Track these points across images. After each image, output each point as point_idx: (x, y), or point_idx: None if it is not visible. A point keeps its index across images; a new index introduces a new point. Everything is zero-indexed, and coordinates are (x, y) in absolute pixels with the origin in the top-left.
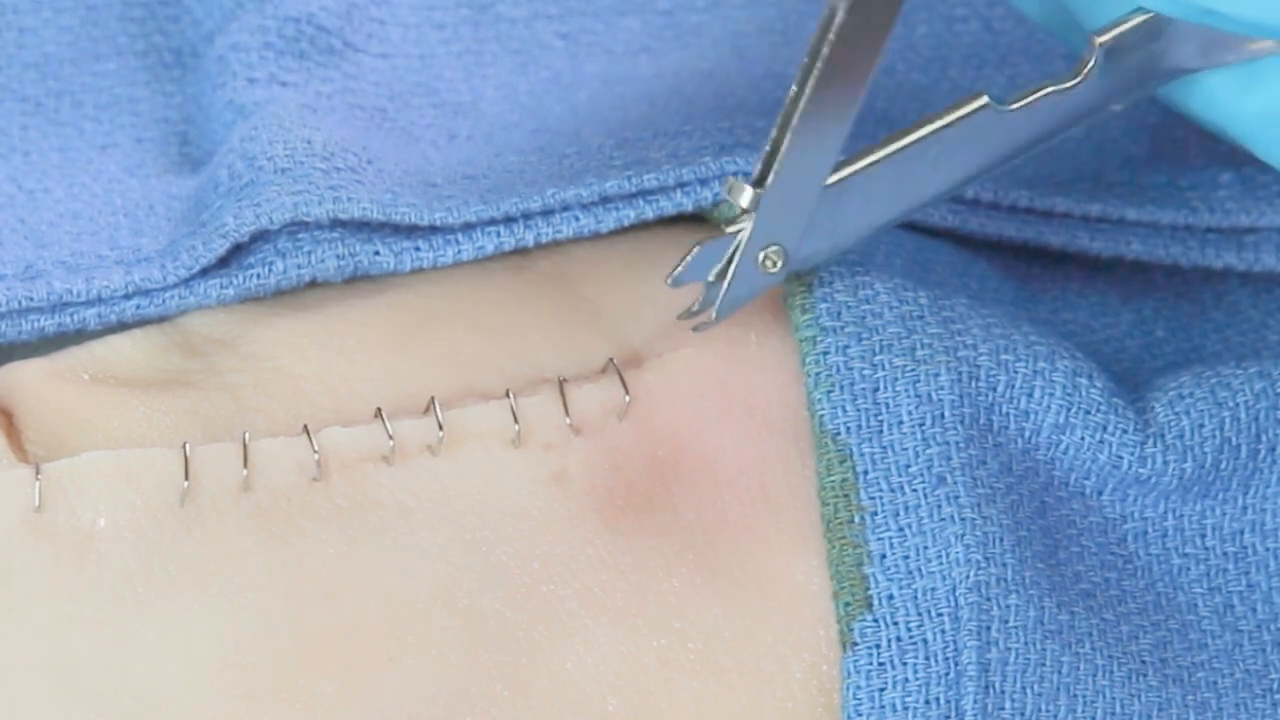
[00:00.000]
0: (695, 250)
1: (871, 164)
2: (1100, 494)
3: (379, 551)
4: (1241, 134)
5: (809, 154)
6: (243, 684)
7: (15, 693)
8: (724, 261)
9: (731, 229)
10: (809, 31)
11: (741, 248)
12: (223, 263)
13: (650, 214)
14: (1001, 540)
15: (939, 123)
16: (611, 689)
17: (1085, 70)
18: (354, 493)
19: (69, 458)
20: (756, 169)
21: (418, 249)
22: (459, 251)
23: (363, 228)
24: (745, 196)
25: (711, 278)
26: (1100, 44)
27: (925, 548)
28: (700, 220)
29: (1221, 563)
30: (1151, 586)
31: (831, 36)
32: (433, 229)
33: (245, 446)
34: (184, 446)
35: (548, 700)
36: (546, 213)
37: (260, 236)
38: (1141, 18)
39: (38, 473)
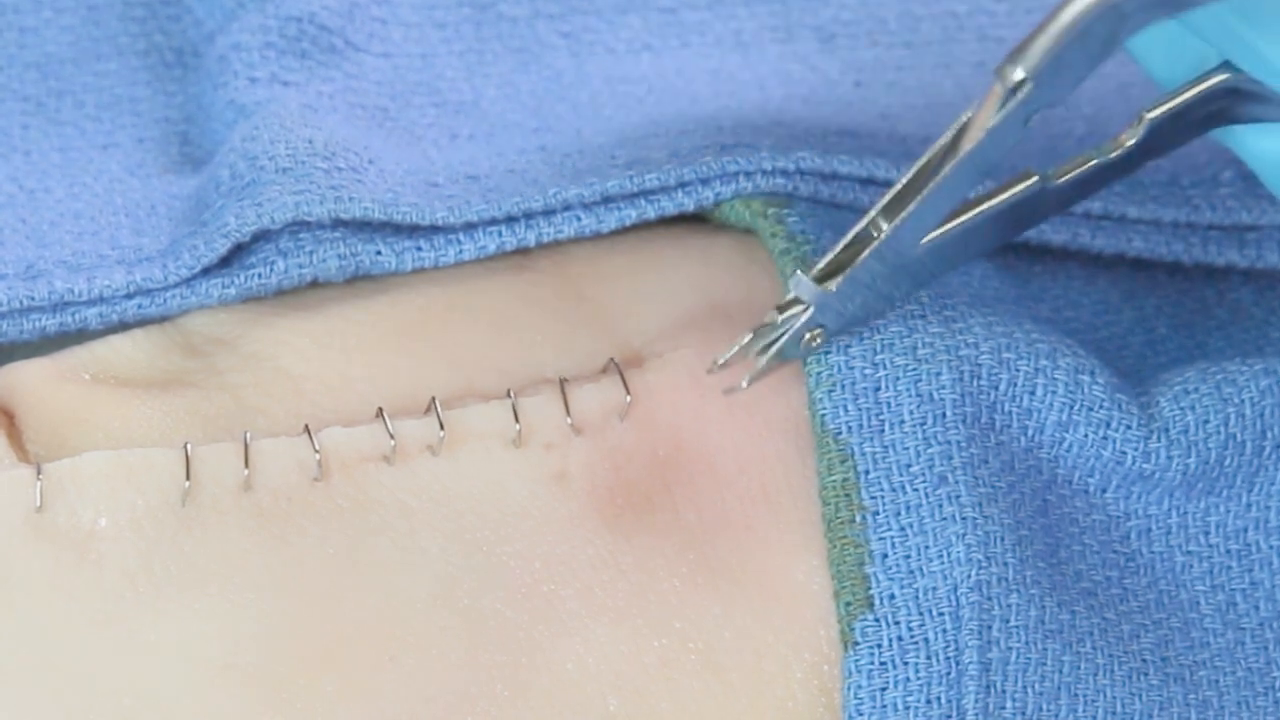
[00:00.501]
0: (747, 339)
1: (927, 244)
2: (1104, 491)
3: (379, 551)
4: (1256, 167)
5: (883, 263)
6: (243, 684)
7: (15, 693)
8: (770, 339)
9: (784, 316)
10: (809, 30)
11: (790, 333)
12: (224, 262)
13: (652, 213)
14: (1003, 539)
15: (992, 205)
16: (612, 689)
17: (1126, 143)
18: (355, 492)
19: (70, 458)
20: (822, 264)
21: (419, 249)
22: (460, 251)
23: (364, 227)
24: (808, 292)
25: (754, 354)
26: (1148, 118)
27: (926, 547)
28: (701, 220)
29: (1225, 560)
30: (1154, 584)
31: (955, 155)
32: (434, 229)
33: (246, 446)
34: (185, 446)
35: (548, 700)
36: (548, 212)
37: (262, 236)
38: (1207, 84)
39: (39, 473)
